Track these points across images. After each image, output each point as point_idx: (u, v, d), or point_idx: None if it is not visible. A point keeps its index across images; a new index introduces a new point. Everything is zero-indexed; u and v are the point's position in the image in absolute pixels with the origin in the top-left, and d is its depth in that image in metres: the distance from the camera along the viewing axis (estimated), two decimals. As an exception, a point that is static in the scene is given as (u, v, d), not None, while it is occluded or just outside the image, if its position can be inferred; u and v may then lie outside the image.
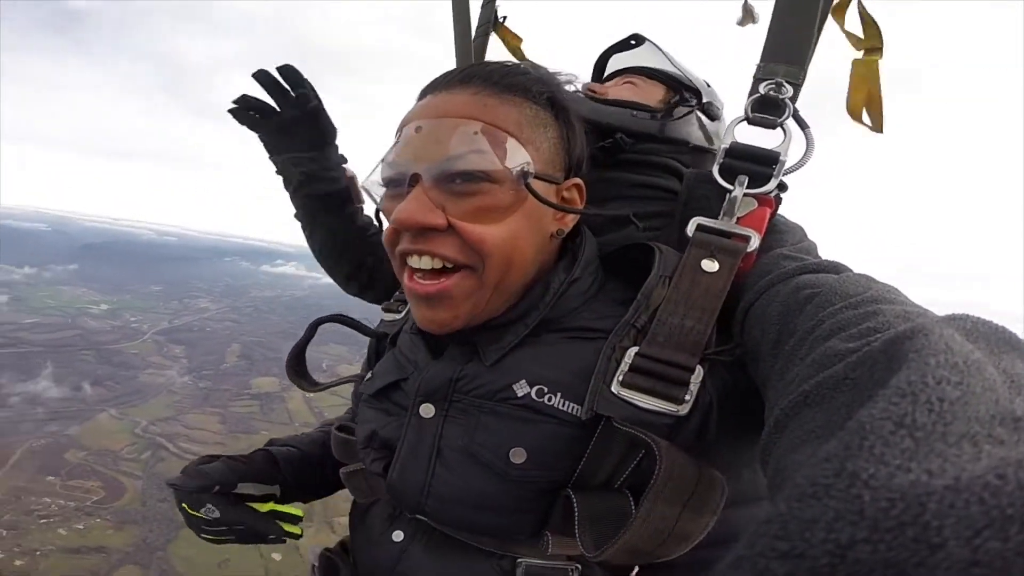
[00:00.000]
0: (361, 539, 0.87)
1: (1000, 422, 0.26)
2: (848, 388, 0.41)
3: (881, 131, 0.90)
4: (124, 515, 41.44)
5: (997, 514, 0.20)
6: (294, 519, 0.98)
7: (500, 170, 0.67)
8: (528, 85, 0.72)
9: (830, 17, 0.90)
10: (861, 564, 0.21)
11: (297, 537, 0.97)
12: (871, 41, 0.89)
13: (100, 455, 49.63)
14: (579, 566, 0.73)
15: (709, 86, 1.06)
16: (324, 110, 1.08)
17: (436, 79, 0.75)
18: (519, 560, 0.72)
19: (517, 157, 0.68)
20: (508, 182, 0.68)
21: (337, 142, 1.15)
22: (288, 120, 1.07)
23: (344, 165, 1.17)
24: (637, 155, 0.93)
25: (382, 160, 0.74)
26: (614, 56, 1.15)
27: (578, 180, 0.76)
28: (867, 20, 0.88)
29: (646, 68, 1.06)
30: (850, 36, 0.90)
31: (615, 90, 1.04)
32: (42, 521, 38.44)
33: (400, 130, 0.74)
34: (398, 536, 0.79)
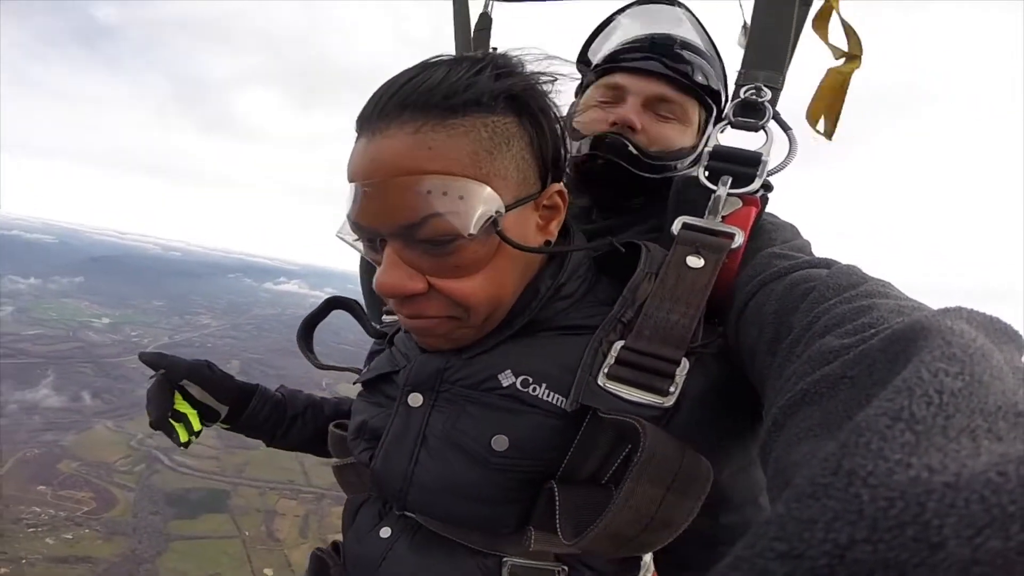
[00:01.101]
0: (351, 536, 0.86)
1: (1003, 416, 0.26)
2: (846, 386, 0.40)
3: (831, 139, 0.96)
4: (114, 526, 41.25)
5: (998, 512, 0.20)
6: (190, 428, 0.98)
7: (465, 229, 0.61)
8: (478, 95, 0.61)
9: (810, 28, 0.96)
10: (861, 564, 0.20)
11: (181, 444, 0.97)
12: (853, 49, 0.94)
13: (94, 466, 49.53)
14: (566, 568, 0.72)
15: (723, 67, 1.02)
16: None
17: (368, 105, 0.65)
18: (504, 560, 0.72)
19: (480, 206, 0.61)
20: (478, 237, 0.62)
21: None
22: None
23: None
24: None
25: (347, 216, 0.68)
26: (626, 13, 1.05)
27: (559, 186, 0.71)
28: (848, 30, 0.94)
29: (681, 81, 0.95)
30: (831, 46, 0.95)
31: (654, 128, 0.94)
32: (30, 530, 38.29)
33: (350, 181, 0.66)
34: (385, 533, 0.79)
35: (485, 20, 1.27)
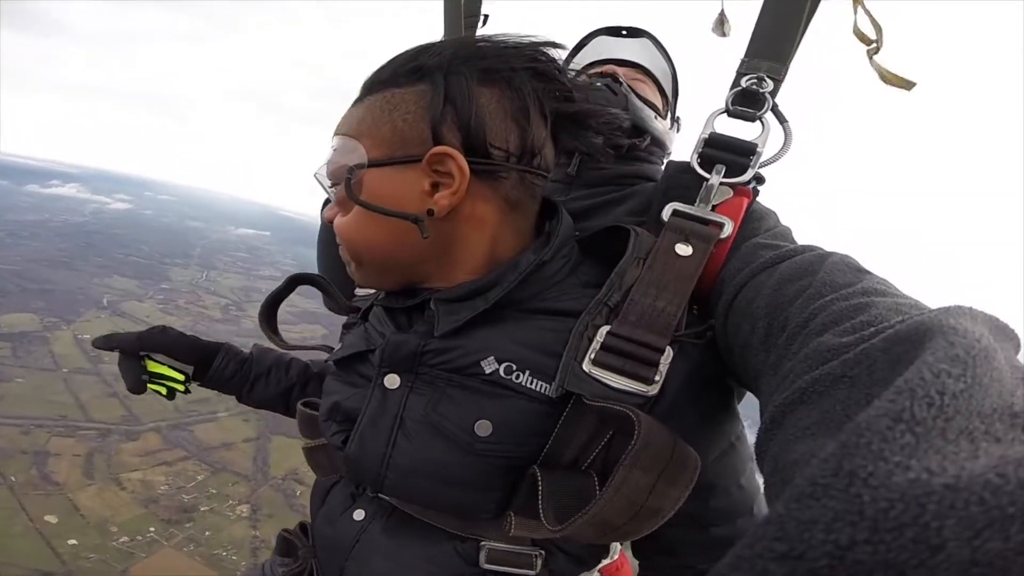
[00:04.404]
0: (321, 518, 0.85)
1: (999, 418, 0.26)
2: (846, 385, 0.40)
3: (911, 88, 0.95)
4: None
5: (998, 514, 0.20)
6: (166, 387, 1.08)
7: (333, 172, 0.73)
8: (387, 75, 0.71)
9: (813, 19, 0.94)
10: (860, 565, 0.20)
11: (164, 396, 1.09)
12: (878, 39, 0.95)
13: None
14: (543, 552, 0.73)
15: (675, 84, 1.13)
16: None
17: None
18: (482, 543, 0.72)
19: (341, 158, 0.71)
20: (340, 182, 0.71)
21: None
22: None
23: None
24: (639, 151, 1.01)
25: None
26: (598, 39, 1.12)
27: (452, 154, 0.66)
28: (875, 24, 0.96)
29: (650, 71, 1.08)
30: (859, 33, 0.96)
31: (640, 86, 1.04)
32: None
33: None
34: (359, 515, 0.79)
35: (474, 6, 1.26)
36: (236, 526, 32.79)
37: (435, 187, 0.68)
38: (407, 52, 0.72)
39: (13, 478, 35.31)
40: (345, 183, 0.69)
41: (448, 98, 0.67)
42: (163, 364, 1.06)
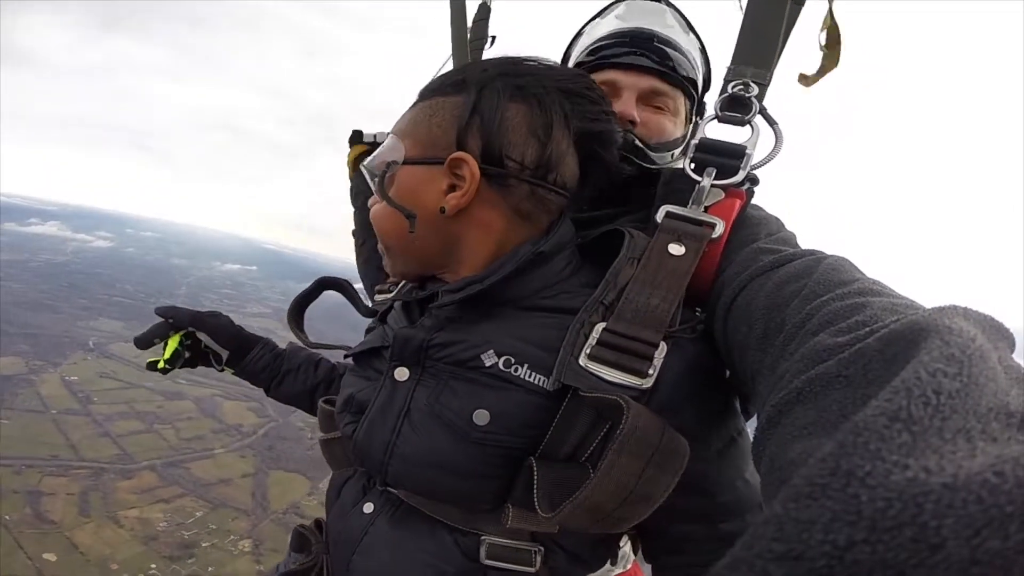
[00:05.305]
0: (335, 513, 0.88)
1: (995, 417, 0.26)
2: (841, 385, 0.41)
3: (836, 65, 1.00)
4: None
5: (996, 512, 0.20)
6: (172, 361, 1.15)
7: (377, 165, 0.80)
8: (444, 82, 0.78)
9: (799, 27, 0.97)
10: (859, 565, 0.20)
11: (156, 369, 1.15)
12: (828, 57, 1.00)
13: None
14: (542, 548, 0.74)
15: (705, 57, 1.06)
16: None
17: None
18: (483, 538, 0.74)
19: (387, 154, 0.79)
20: (379, 175, 0.78)
21: None
22: None
23: None
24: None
25: None
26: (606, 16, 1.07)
27: (467, 160, 0.72)
28: (833, 34, 0.99)
29: (671, 75, 0.97)
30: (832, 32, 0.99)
31: (657, 118, 0.97)
32: None
33: None
34: (368, 508, 0.81)
35: (484, 11, 1.32)
36: (239, 561, 32.74)
37: (452, 188, 0.73)
38: (460, 67, 0.84)
39: (8, 517, 34.98)
40: (380, 176, 0.77)
41: (477, 109, 0.73)
42: (194, 346, 1.17)
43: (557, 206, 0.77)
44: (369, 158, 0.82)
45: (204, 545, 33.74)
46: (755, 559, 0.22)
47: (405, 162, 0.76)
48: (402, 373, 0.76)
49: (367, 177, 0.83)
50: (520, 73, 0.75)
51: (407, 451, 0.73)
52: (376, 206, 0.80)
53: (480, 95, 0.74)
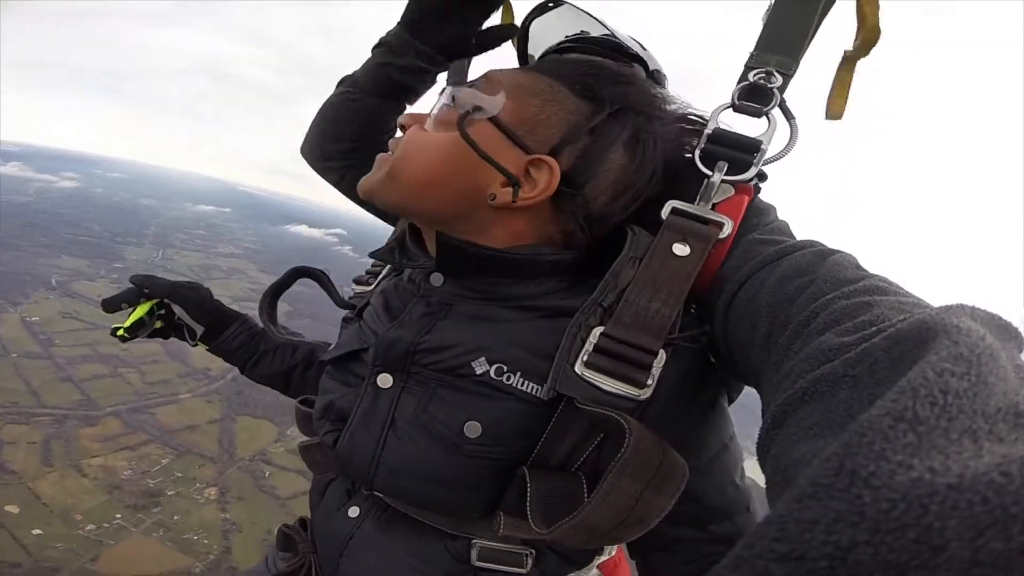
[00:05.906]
0: (319, 514, 0.87)
1: (1003, 417, 0.25)
2: (847, 385, 0.40)
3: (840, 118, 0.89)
4: None
5: (1001, 513, 0.20)
6: (135, 328, 1.12)
7: (463, 98, 0.72)
8: (575, 74, 0.73)
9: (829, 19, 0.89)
10: (861, 566, 0.20)
11: (116, 335, 1.11)
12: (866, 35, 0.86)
13: None
14: (533, 552, 0.74)
15: (642, 47, 0.95)
16: None
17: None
18: (473, 542, 0.73)
19: (481, 96, 0.71)
20: (461, 109, 0.71)
21: None
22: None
23: None
24: None
25: None
26: (535, 22, 0.99)
27: (553, 163, 0.70)
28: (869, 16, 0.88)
29: (597, 46, 0.90)
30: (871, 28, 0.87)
31: None
32: None
33: None
34: (354, 512, 0.80)
35: None
36: (205, 509, 32.41)
37: (509, 181, 0.70)
38: (594, 63, 0.76)
39: (-35, 467, 34.11)
40: (464, 114, 0.70)
41: (594, 132, 0.70)
42: (168, 317, 1.13)
43: (579, 240, 0.75)
44: (460, 86, 0.76)
45: (169, 493, 33.16)
46: (756, 559, 0.22)
47: (493, 120, 0.71)
48: (385, 380, 0.73)
49: (440, 95, 0.78)
50: (652, 117, 0.73)
51: (394, 462, 0.71)
52: (426, 134, 0.74)
53: (606, 122, 0.71)
